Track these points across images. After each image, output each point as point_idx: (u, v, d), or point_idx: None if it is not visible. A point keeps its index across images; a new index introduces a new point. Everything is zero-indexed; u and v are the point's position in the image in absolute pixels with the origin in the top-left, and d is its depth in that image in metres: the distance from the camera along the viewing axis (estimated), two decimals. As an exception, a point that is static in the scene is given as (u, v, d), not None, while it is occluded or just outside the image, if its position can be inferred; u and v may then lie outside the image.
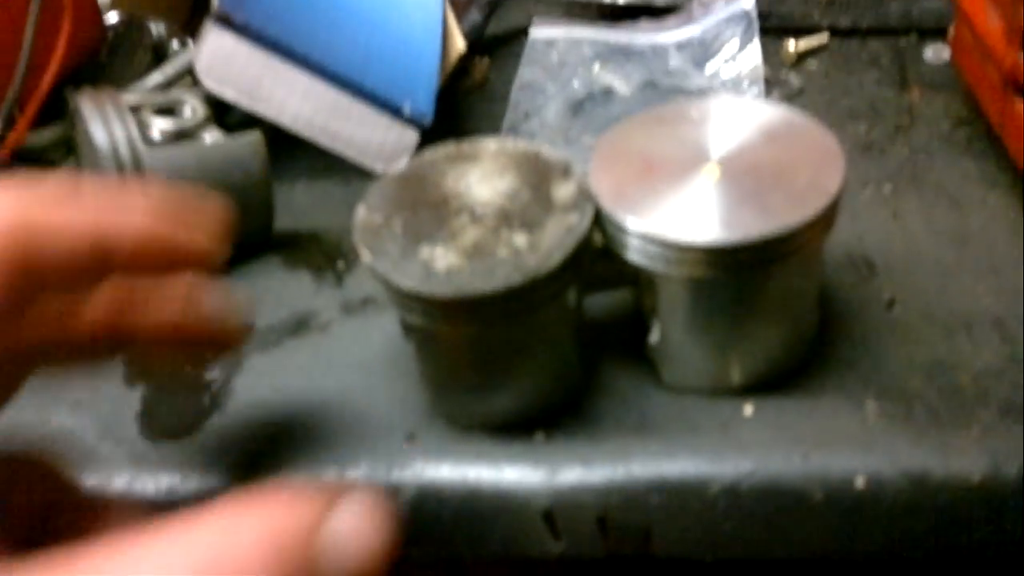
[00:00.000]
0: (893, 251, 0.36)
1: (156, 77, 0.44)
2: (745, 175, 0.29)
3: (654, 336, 0.31)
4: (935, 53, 0.46)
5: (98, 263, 0.25)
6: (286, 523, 0.21)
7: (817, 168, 0.29)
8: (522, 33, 0.50)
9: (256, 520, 0.21)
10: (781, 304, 0.30)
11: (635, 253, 0.29)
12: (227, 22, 0.32)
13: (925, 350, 0.32)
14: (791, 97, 0.45)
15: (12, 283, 0.24)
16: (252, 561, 0.20)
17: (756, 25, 0.46)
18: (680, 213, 0.28)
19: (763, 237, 0.27)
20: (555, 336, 0.30)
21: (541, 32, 0.49)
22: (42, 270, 0.24)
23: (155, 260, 0.26)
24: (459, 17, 0.49)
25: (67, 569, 0.19)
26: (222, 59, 0.33)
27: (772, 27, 0.48)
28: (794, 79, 0.46)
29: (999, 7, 0.35)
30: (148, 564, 0.19)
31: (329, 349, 0.35)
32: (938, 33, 0.46)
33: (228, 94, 0.33)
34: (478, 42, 0.50)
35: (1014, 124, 0.35)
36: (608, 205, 0.29)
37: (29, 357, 0.27)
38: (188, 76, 0.44)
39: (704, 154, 0.30)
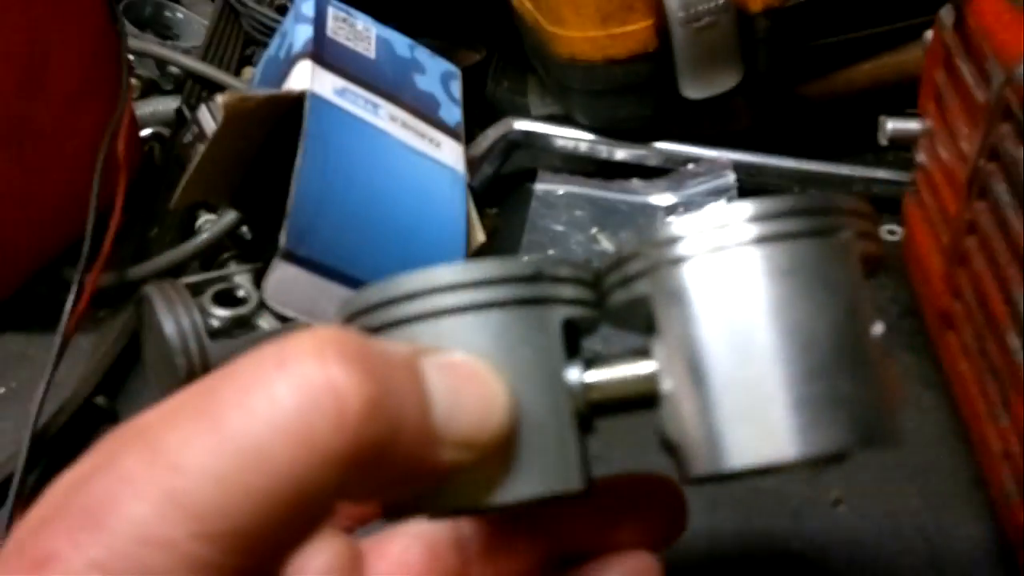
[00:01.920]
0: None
1: (195, 243, 0.50)
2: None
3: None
4: (891, 230, 0.52)
5: None
6: None
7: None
8: (525, 178, 0.56)
9: None
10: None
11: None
12: (291, 256, 0.38)
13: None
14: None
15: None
16: None
17: (736, 197, 0.52)
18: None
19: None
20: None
21: (543, 187, 0.55)
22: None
23: None
24: (473, 171, 0.54)
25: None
26: (286, 286, 0.38)
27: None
28: (767, 250, 0.52)
29: (943, 255, 0.41)
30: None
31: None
32: (895, 206, 0.52)
33: (290, 312, 0.40)
34: (488, 193, 0.56)
35: (946, 351, 0.41)
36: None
37: None
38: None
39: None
